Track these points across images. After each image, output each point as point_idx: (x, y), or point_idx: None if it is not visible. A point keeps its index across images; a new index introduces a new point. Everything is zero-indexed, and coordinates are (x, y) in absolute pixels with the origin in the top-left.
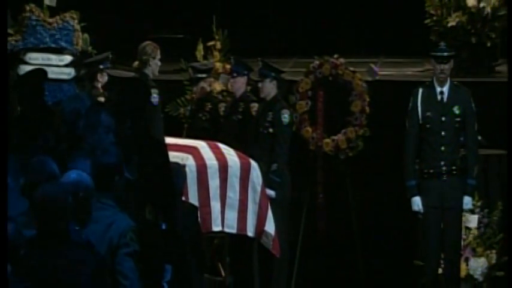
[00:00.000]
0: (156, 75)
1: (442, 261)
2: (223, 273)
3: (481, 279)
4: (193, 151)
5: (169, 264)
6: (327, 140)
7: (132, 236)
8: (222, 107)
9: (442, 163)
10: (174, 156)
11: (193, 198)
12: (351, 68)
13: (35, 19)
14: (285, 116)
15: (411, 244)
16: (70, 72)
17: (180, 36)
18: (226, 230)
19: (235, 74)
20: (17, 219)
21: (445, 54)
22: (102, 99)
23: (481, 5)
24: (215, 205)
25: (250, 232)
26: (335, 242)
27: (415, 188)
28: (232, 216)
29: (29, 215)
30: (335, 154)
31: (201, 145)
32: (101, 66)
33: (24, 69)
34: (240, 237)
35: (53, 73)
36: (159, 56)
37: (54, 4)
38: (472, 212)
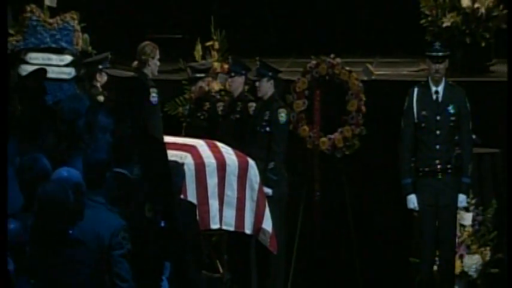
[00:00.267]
0: (155, 74)
1: (437, 258)
2: (221, 270)
3: (475, 276)
4: (192, 150)
5: (168, 262)
6: (324, 139)
7: (124, 235)
8: (220, 106)
9: (437, 161)
10: (172, 154)
11: (191, 196)
12: (347, 68)
13: (35, 19)
14: (282, 115)
15: (407, 241)
16: (70, 72)
17: (178, 37)
18: (224, 227)
19: (233, 74)
20: (21, 215)
21: (440, 54)
22: (101, 98)
23: (476, 5)
24: (213, 203)
25: (248, 229)
26: (331, 239)
27: (411, 186)
28: (230, 214)
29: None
30: (332, 153)
31: (200, 144)
32: (100, 66)
33: (25, 69)
34: (237, 235)
35: (53, 73)
36: (158, 56)
37: (54, 5)
38: (466, 209)
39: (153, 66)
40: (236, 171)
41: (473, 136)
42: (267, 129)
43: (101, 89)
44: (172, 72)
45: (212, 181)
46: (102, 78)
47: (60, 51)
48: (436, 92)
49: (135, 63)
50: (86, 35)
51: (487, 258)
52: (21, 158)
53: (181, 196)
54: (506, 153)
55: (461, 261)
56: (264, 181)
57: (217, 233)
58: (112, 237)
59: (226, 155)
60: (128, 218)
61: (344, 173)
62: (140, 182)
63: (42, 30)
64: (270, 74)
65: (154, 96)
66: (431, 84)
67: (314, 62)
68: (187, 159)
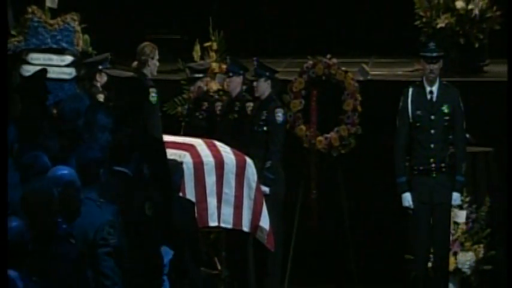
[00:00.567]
0: (155, 75)
1: (431, 255)
2: (219, 267)
3: (468, 272)
4: (191, 149)
5: (166, 247)
6: (320, 138)
7: (109, 230)
8: (218, 105)
9: (432, 160)
10: (171, 153)
11: (190, 194)
12: (343, 68)
13: (36, 20)
14: (279, 115)
15: (402, 239)
16: (71, 72)
17: (177, 37)
18: (222, 225)
19: (231, 74)
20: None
21: (435, 54)
22: (101, 98)
23: (469, 7)
24: (211, 201)
25: (245, 227)
26: (328, 237)
27: (406, 184)
28: (228, 211)
29: None
30: (328, 151)
31: (198, 143)
32: (100, 67)
33: (27, 69)
34: (235, 232)
35: (54, 73)
36: (157, 57)
37: (55, 6)
38: (460, 207)
39: (153, 67)
40: (234, 170)
41: (467, 135)
42: (265, 128)
43: (101, 89)
44: (171, 72)
45: (210, 179)
46: (102, 78)
47: (61, 51)
48: (431, 92)
49: (135, 63)
50: (86, 36)
51: (481, 255)
52: (23, 156)
53: (180, 194)
54: (507, 153)
55: (455, 258)
56: (262, 180)
57: (216, 231)
58: (96, 233)
59: (224, 154)
60: (127, 216)
61: (340, 171)
62: (139, 181)
63: (43, 31)
64: (268, 74)
65: (153, 96)
66: (425, 84)
67: (311, 62)
68: (186, 158)
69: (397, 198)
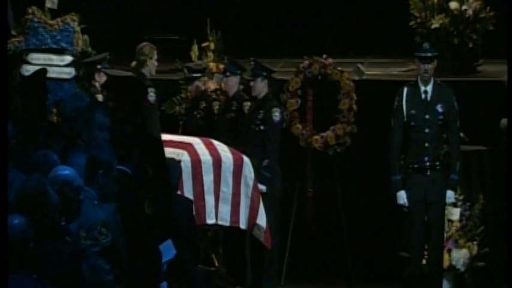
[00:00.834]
0: (153, 74)
1: (426, 253)
2: (216, 264)
3: (462, 269)
4: (189, 147)
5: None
6: (316, 137)
7: (101, 229)
8: (216, 105)
9: (426, 159)
10: (170, 152)
11: (188, 192)
12: (339, 68)
13: (37, 21)
14: (276, 114)
15: (396, 236)
16: (70, 72)
17: (175, 38)
18: (220, 222)
19: (228, 74)
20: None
21: (429, 54)
22: (100, 98)
23: (463, 7)
24: (209, 199)
25: (242, 225)
26: (324, 234)
27: (401, 182)
28: (225, 209)
29: None
30: (324, 150)
31: (196, 141)
32: (99, 66)
33: (27, 69)
34: (233, 230)
35: (54, 73)
36: (156, 57)
37: (55, 7)
38: (454, 205)
39: (151, 66)
40: (231, 168)
41: (461, 134)
42: (261, 127)
43: (99, 89)
44: (170, 72)
45: (208, 178)
46: (101, 78)
47: (60, 51)
48: (425, 92)
49: (134, 63)
50: (85, 36)
51: (474, 252)
52: (32, 155)
53: (178, 192)
54: (507, 153)
55: (449, 255)
56: (259, 178)
57: (213, 228)
58: (89, 231)
59: (221, 153)
60: (127, 214)
61: (336, 169)
62: (139, 178)
63: (43, 31)
64: (264, 73)
65: (152, 96)
66: (420, 83)
67: (307, 62)
68: (184, 157)
69: (392, 197)
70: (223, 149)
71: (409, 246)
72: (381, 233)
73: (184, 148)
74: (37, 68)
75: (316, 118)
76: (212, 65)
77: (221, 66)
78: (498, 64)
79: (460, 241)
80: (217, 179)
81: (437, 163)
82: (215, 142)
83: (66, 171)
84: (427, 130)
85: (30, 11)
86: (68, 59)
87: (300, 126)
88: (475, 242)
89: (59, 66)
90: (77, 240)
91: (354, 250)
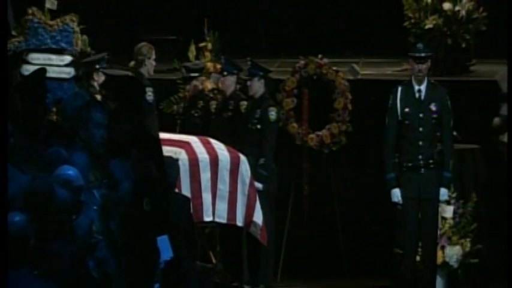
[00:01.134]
0: (151, 74)
1: (419, 249)
2: (214, 261)
3: (456, 266)
4: (186, 146)
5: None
6: (312, 136)
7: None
8: (213, 104)
9: (420, 157)
10: (167, 150)
11: (186, 190)
12: (334, 68)
13: (36, 22)
14: (272, 113)
15: (391, 233)
16: (70, 72)
17: (173, 38)
18: (217, 220)
19: (225, 73)
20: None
21: (423, 54)
22: (98, 97)
23: (457, 8)
24: (206, 197)
25: (239, 222)
26: (319, 231)
27: (395, 180)
28: (222, 207)
29: None
30: (319, 149)
31: (193, 140)
32: (98, 66)
33: (27, 68)
34: (229, 227)
35: (53, 72)
36: (154, 56)
37: (55, 7)
38: (447, 203)
39: (149, 66)
40: (228, 166)
41: (454, 133)
42: (258, 126)
43: (98, 88)
44: (168, 71)
45: (205, 176)
46: (99, 78)
47: (60, 51)
48: (419, 91)
49: (132, 63)
50: (85, 37)
51: (467, 249)
52: (44, 152)
53: (176, 190)
54: (507, 153)
55: (443, 252)
56: (255, 176)
57: (210, 225)
58: (89, 231)
59: (218, 151)
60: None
61: (331, 168)
62: (137, 177)
63: (43, 31)
64: (261, 73)
65: (150, 95)
66: (414, 83)
67: (302, 62)
68: (182, 155)
69: (387, 194)
70: (220, 148)
71: (403, 243)
72: (375, 229)
73: (182, 147)
74: (37, 67)
75: (312, 117)
76: (209, 64)
77: (218, 66)
78: (491, 64)
79: (453, 238)
80: (215, 177)
81: (431, 161)
82: (212, 141)
83: (69, 171)
84: (421, 129)
85: (30, 11)
86: (68, 59)
87: (295, 125)
88: (468, 239)
89: (59, 66)
90: (89, 234)
91: (348, 247)
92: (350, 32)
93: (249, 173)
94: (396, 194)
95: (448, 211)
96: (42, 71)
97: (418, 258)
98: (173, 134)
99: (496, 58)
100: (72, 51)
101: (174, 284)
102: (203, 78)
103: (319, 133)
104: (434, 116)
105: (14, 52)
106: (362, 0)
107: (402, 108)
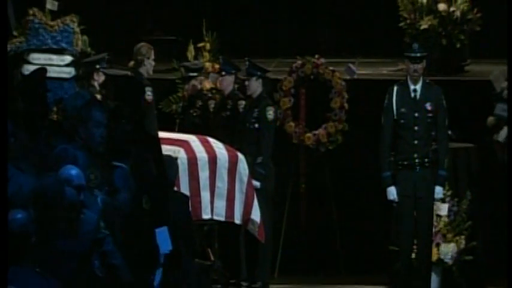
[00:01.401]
0: (151, 74)
1: (415, 247)
2: (212, 258)
3: (450, 263)
4: (185, 145)
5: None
6: (309, 134)
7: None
8: (211, 103)
9: (415, 155)
10: (166, 149)
11: (184, 188)
12: (331, 68)
13: (37, 22)
14: (270, 113)
15: (386, 230)
16: (70, 72)
17: (172, 38)
18: (215, 217)
19: (223, 73)
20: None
21: (418, 54)
22: (99, 97)
23: (451, 9)
24: (205, 195)
25: (237, 220)
26: (316, 229)
27: (390, 178)
28: (220, 205)
29: None
30: (316, 147)
31: (192, 139)
32: (98, 66)
33: (28, 68)
34: (228, 225)
35: (54, 72)
36: (153, 56)
37: (55, 8)
38: (442, 200)
39: (149, 66)
40: (226, 165)
41: (449, 132)
42: (256, 125)
43: (98, 88)
44: (167, 71)
45: (204, 174)
46: (99, 78)
47: (60, 51)
48: (414, 90)
49: (132, 63)
50: (85, 37)
51: (462, 246)
52: (47, 151)
53: (175, 188)
54: (507, 153)
55: (438, 249)
56: (253, 174)
57: (209, 223)
58: (95, 228)
59: (217, 150)
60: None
61: (327, 166)
62: (136, 175)
63: (44, 32)
64: (259, 73)
65: (149, 95)
66: (409, 83)
67: (299, 62)
68: (181, 154)
69: (382, 192)
70: (218, 147)
71: (399, 240)
72: (371, 227)
73: (180, 145)
74: (38, 67)
75: (309, 116)
76: (208, 64)
77: (217, 66)
78: (485, 64)
79: (448, 235)
80: (213, 175)
81: (426, 160)
82: (211, 140)
83: (72, 170)
84: (416, 128)
85: (31, 12)
86: (68, 59)
87: (293, 124)
88: (462, 236)
89: (59, 66)
90: (97, 229)
91: (345, 244)
92: (346, 32)
93: (247, 171)
94: (392, 192)
95: (442, 209)
96: (42, 70)
97: (413, 255)
98: (172, 133)
99: (490, 58)
100: (73, 51)
101: (174, 280)
102: (202, 78)
103: (316, 132)
104: (430, 115)
105: (15, 52)
106: (358, 1)
107: (398, 108)
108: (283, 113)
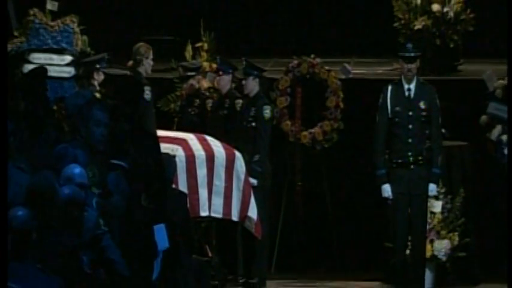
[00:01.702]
0: (149, 73)
1: (409, 243)
2: (210, 254)
3: (444, 259)
4: (183, 143)
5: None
6: (305, 133)
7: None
8: (209, 102)
9: (410, 154)
10: (165, 147)
11: (182, 186)
12: (326, 67)
13: (38, 22)
14: (267, 112)
15: (381, 227)
16: (70, 71)
17: (170, 38)
18: (213, 215)
19: (221, 73)
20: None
21: (412, 54)
22: (98, 96)
23: (445, 9)
24: (203, 192)
25: (234, 217)
26: (312, 225)
27: (385, 176)
28: (218, 202)
29: None
30: (312, 145)
31: (190, 137)
32: (97, 66)
33: (29, 68)
34: (225, 222)
35: (54, 72)
36: (151, 56)
37: (55, 9)
38: (436, 198)
39: (147, 66)
40: (224, 163)
41: (443, 130)
42: (253, 124)
43: (98, 87)
44: (165, 71)
45: (202, 172)
46: (99, 77)
47: (61, 51)
48: (409, 90)
49: (130, 62)
50: (85, 37)
51: (455, 242)
52: (50, 149)
53: (173, 186)
54: (507, 154)
55: (432, 246)
56: (250, 172)
57: (206, 220)
58: (95, 226)
59: (214, 148)
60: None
61: (323, 164)
62: (135, 172)
63: (44, 32)
64: (256, 73)
65: (148, 94)
66: (404, 82)
67: (296, 61)
68: (179, 152)
69: (377, 190)
70: (216, 145)
71: (394, 237)
72: (366, 224)
73: (178, 144)
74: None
75: (305, 115)
76: (205, 64)
77: (214, 66)
78: (478, 63)
79: (441, 232)
80: (210, 173)
81: (420, 158)
82: (208, 138)
83: (76, 169)
84: (410, 126)
85: (32, 12)
86: (68, 58)
87: (289, 122)
88: (456, 233)
89: (59, 65)
90: (97, 226)
91: (340, 241)
92: (342, 32)
93: (244, 169)
94: (386, 190)
95: (436, 206)
96: (42, 70)
97: (407, 251)
98: (170, 131)
99: (483, 58)
100: (73, 51)
101: (172, 276)
102: (199, 77)
103: (312, 130)
104: (423, 114)
105: (16, 52)
106: (354, 2)
107: (392, 107)
108: (280, 112)
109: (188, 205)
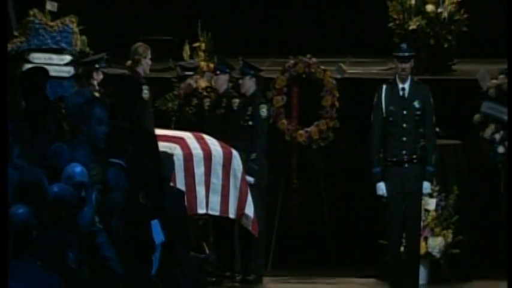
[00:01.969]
0: (147, 73)
1: (403, 240)
2: (207, 251)
3: (438, 256)
4: (181, 141)
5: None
6: (301, 132)
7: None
8: (206, 102)
9: (404, 152)
10: (163, 146)
11: (180, 184)
12: (322, 67)
13: (38, 23)
14: (263, 111)
15: (376, 225)
16: (70, 71)
17: (168, 38)
18: (210, 212)
19: (218, 72)
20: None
21: (406, 54)
22: (97, 95)
23: (439, 10)
24: (200, 190)
25: (231, 214)
26: (307, 223)
27: (380, 174)
28: (215, 200)
29: None
30: (308, 144)
31: (188, 136)
32: (97, 65)
33: (28, 67)
34: (222, 219)
35: (54, 71)
36: (149, 56)
37: (55, 9)
38: (430, 196)
39: (145, 65)
40: (221, 161)
41: (437, 129)
42: (250, 123)
43: (97, 87)
44: (163, 70)
45: (199, 170)
46: (98, 76)
47: (60, 51)
48: (403, 89)
49: (129, 62)
50: (84, 37)
51: (449, 240)
52: (48, 148)
53: (171, 184)
54: (507, 154)
55: (426, 243)
56: (247, 170)
57: (204, 218)
58: (90, 224)
59: (212, 146)
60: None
61: (319, 162)
62: (133, 171)
63: (44, 32)
64: (252, 72)
65: (146, 93)
66: (398, 81)
67: (292, 61)
68: (177, 150)
69: (372, 187)
70: (213, 143)
71: (388, 234)
72: (361, 222)
73: (176, 142)
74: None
75: (301, 114)
76: (203, 64)
77: (211, 65)
78: (471, 63)
79: (435, 229)
80: (208, 171)
81: (415, 156)
82: (206, 137)
83: (77, 168)
84: (404, 125)
85: (31, 13)
86: (67, 58)
87: (285, 121)
88: (450, 231)
89: (59, 65)
90: (92, 224)
91: (336, 238)
92: (337, 32)
93: (241, 167)
94: (381, 188)
95: (430, 204)
96: (43, 70)
97: (402, 249)
98: (168, 130)
99: (477, 58)
100: (72, 51)
101: (170, 272)
102: (197, 76)
103: (308, 129)
104: (418, 113)
105: (16, 52)
106: (349, 2)
107: (387, 106)
108: (276, 111)
109: (186, 203)
